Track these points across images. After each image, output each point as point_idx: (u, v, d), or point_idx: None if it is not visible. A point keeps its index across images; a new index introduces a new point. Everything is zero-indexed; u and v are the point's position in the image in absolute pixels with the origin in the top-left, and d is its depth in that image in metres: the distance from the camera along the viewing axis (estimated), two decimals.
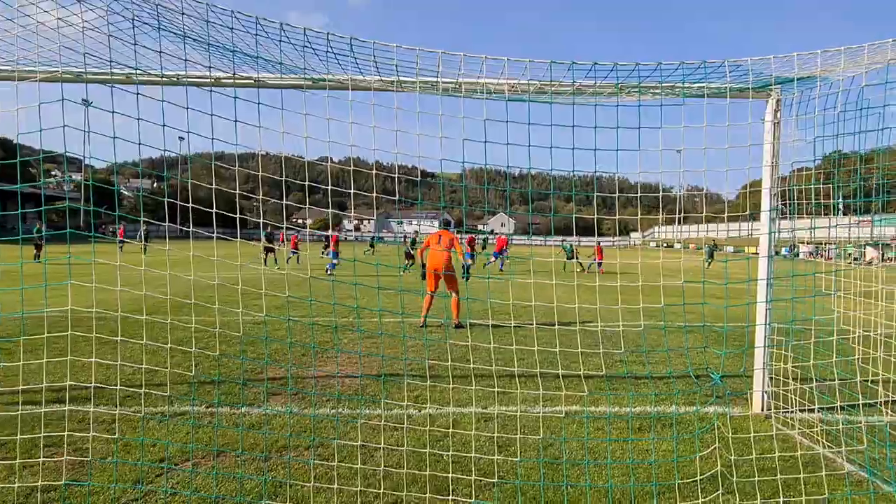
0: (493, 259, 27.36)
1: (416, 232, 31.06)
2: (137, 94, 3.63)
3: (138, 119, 3.53)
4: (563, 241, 35.39)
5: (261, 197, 4.52)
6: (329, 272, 20.93)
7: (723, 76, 3.95)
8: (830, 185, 4.91)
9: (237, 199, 4.25)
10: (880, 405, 4.92)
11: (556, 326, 8.35)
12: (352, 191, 4.00)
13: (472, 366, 6.93)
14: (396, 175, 3.63)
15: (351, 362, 7.64)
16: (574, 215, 4.70)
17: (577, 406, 5.80)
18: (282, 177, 3.91)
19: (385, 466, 4.22)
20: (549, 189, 4.61)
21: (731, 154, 4.02)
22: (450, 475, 3.96)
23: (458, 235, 11.51)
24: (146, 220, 4.19)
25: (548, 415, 5.50)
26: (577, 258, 27.63)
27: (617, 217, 4.97)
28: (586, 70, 3.66)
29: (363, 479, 4.01)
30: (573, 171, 3.73)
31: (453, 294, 10.72)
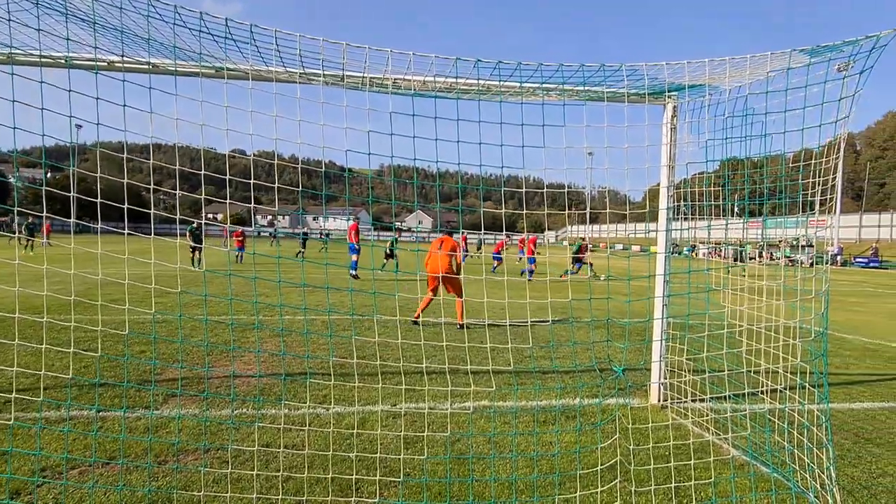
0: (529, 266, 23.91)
1: (399, 229, 29.83)
2: (13, 74, 3.35)
3: (13, 101, 3.25)
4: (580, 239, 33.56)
5: (178, 191, 4.27)
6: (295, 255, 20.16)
7: (622, 80, 4.12)
8: (726, 189, 5.20)
9: (150, 193, 4.01)
10: (762, 394, 5.27)
11: (466, 322, 8.44)
12: (275, 185, 3.86)
13: (379, 363, 6.89)
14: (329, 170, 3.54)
15: (256, 362, 7.41)
16: (516, 214, 4.72)
17: (485, 401, 5.88)
18: (200, 170, 3.72)
19: (288, 469, 4.11)
20: (473, 186, 4.64)
21: (638, 156, 4.20)
22: (353, 476, 3.91)
23: (459, 241, 11.54)
24: (33, 212, 3.87)
25: (456, 411, 5.54)
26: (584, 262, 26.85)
27: (566, 213, 5.04)
28: (490, 68, 3.71)
29: (265, 483, 3.89)
30: (481, 167, 3.78)
31: (456, 297, 10.75)
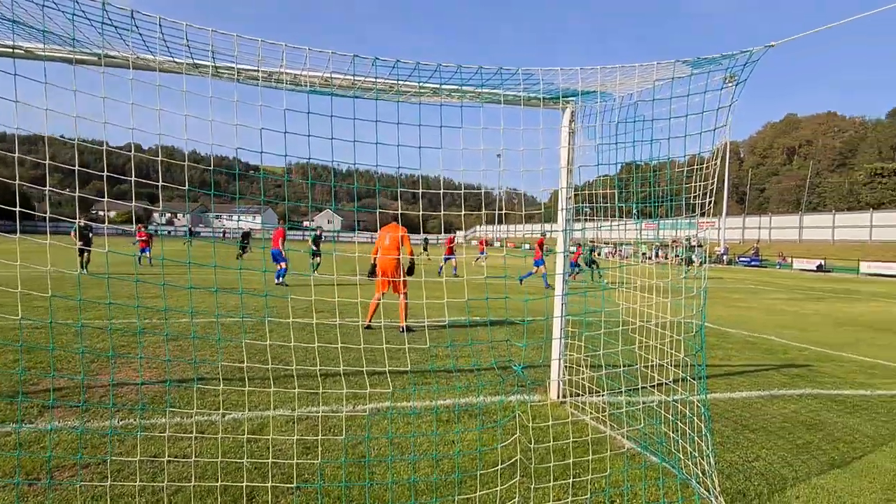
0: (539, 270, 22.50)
1: (321, 227, 27.87)
2: None
3: None
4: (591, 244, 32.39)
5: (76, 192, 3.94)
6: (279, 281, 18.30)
7: (518, 83, 4.21)
8: (626, 191, 5.43)
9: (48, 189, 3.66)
10: (652, 387, 5.55)
11: (383, 322, 8.37)
12: (160, 182, 3.63)
13: (270, 366, 6.70)
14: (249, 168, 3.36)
15: (150, 368, 7.00)
16: (434, 214, 4.69)
17: (388, 402, 5.85)
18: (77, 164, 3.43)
19: (177, 480, 3.90)
20: (376, 186, 4.57)
21: (538, 159, 4.30)
22: (244, 483, 3.76)
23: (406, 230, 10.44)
24: None
25: (358, 413, 5.47)
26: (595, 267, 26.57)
27: (477, 214, 5.05)
28: (389, 67, 3.68)
29: (150, 497, 3.67)
30: (385, 165, 3.75)
31: (401, 297, 9.96)
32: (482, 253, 32.78)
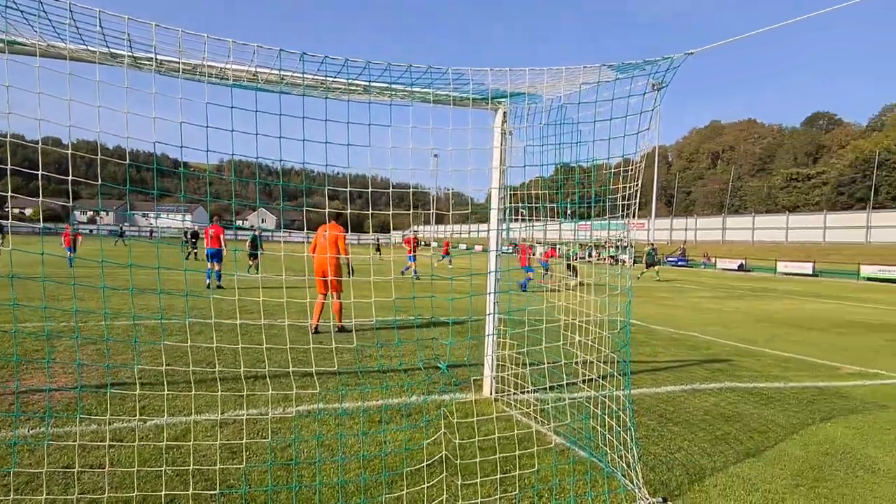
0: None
1: (259, 228, 26.25)
2: None
3: None
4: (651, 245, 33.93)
5: None
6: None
7: (448, 83, 4.22)
8: (559, 192, 5.52)
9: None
10: (581, 383, 5.69)
11: (313, 323, 8.23)
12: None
13: (192, 369, 6.49)
14: (151, 162, 3.19)
15: (66, 373, 6.64)
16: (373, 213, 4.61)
17: (318, 404, 5.76)
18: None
19: (91, 492, 3.71)
20: (317, 185, 4.48)
21: (476, 159, 4.34)
22: (163, 492, 3.62)
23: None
24: None
25: (287, 416, 5.36)
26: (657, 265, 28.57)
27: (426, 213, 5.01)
28: (317, 63, 3.61)
29: None
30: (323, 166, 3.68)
31: (335, 296, 9.73)
32: (445, 255, 32.70)
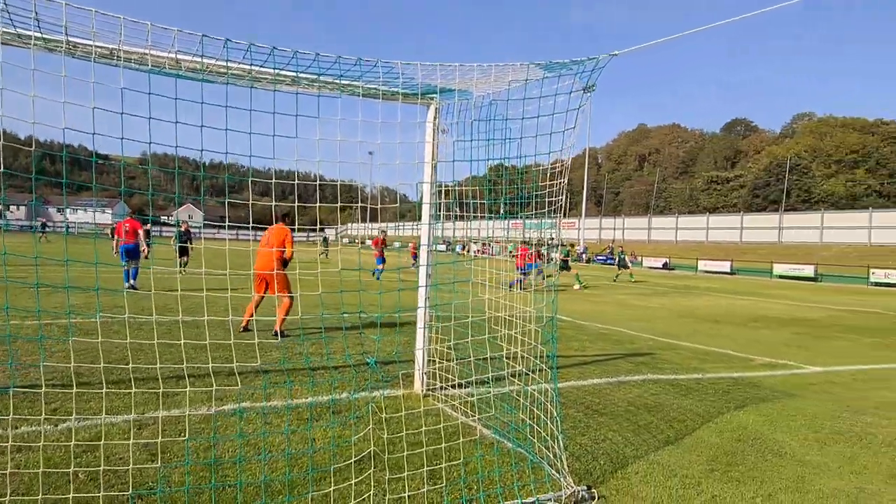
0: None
1: (185, 222, 23.39)
2: None
3: None
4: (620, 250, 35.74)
5: None
6: None
7: (378, 77, 4.20)
8: (493, 191, 5.56)
9: None
10: (510, 376, 5.77)
11: (231, 318, 8.01)
12: None
13: (102, 366, 6.21)
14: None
15: None
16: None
17: (247, 402, 5.61)
18: None
19: None
20: (225, 177, 4.32)
21: (404, 155, 4.32)
22: (71, 495, 3.44)
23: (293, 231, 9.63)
24: None
25: (211, 415, 5.20)
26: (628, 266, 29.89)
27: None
28: (243, 51, 3.50)
29: None
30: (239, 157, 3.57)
31: (283, 298, 9.25)
32: (414, 258, 32.10)
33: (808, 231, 60.14)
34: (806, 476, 4.62)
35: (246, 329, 9.33)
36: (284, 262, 9.57)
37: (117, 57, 3.73)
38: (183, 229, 21.72)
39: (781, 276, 44.97)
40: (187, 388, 5.45)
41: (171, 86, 3.55)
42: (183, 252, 20.16)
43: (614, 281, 31.38)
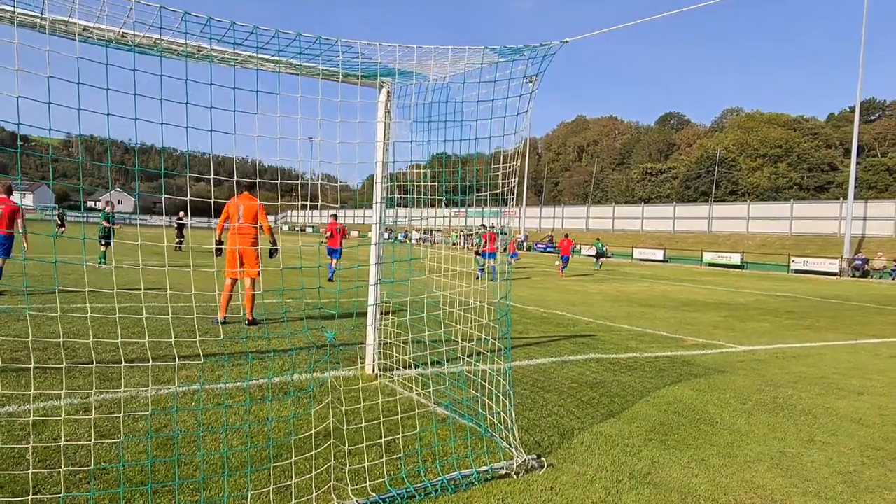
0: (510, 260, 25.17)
1: (109, 202, 20.51)
2: None
3: None
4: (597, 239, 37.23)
5: None
6: None
7: (337, 55, 4.21)
8: (436, 180, 5.65)
9: None
10: (463, 356, 5.92)
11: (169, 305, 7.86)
12: None
13: (26, 351, 6.04)
14: None
15: None
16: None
17: (201, 384, 5.57)
18: None
19: None
20: (174, 165, 4.25)
21: (359, 149, 4.36)
22: (30, 471, 3.37)
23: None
24: None
25: (162, 395, 5.14)
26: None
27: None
28: (201, 25, 3.44)
29: None
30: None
31: (248, 282, 8.64)
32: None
33: (735, 221, 62.96)
34: (734, 442, 4.98)
35: (226, 321, 8.75)
36: (275, 249, 9.20)
37: (60, 29, 3.59)
38: (108, 211, 19.09)
39: (711, 264, 47.10)
40: (150, 363, 5.36)
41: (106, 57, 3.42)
42: (106, 241, 18.08)
43: (598, 270, 32.63)
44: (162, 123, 3.12)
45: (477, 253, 18.92)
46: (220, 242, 8.65)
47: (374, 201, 5.63)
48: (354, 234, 66.86)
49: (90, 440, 3.88)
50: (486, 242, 18.91)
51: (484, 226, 18.76)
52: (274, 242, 9.22)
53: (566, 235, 28.05)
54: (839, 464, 4.62)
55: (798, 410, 6.03)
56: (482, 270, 18.35)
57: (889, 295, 24.99)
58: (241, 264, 8.48)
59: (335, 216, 18.15)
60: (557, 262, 27.14)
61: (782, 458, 4.67)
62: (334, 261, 16.76)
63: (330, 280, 16.21)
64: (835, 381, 7.46)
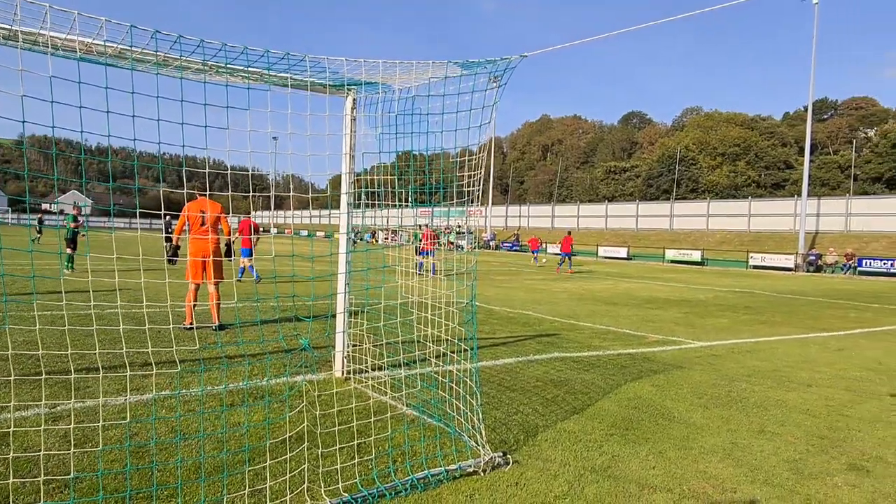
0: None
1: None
2: None
3: None
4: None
5: None
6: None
7: (304, 69, 4.33)
8: (401, 179, 5.80)
9: None
10: (431, 357, 6.08)
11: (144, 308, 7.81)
12: None
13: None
14: None
15: None
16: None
17: (167, 391, 5.60)
18: None
19: None
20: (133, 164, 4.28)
21: (321, 145, 4.45)
22: (10, 481, 3.42)
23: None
24: None
25: (134, 403, 5.17)
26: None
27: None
28: (171, 42, 3.54)
29: None
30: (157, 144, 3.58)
31: (212, 287, 8.51)
32: (567, 255, 32.10)
33: (696, 219, 64.51)
34: (690, 435, 5.24)
35: (190, 328, 8.53)
36: (228, 249, 8.97)
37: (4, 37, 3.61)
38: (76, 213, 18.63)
39: (672, 261, 48.18)
40: (100, 376, 5.37)
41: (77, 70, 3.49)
42: (72, 244, 17.71)
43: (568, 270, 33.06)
44: (135, 140, 3.19)
45: (417, 252, 19.19)
46: (176, 247, 8.52)
47: (340, 211, 5.75)
48: (320, 233, 66.47)
49: (61, 449, 3.92)
50: (424, 241, 19.36)
51: (421, 225, 19.18)
52: (229, 246, 9.08)
53: (569, 233, 30.94)
54: (786, 452, 4.92)
55: (751, 403, 6.35)
56: (421, 266, 18.37)
57: (839, 289, 26.01)
58: (204, 271, 8.44)
59: (248, 213, 17.47)
60: (542, 261, 28.88)
61: (734, 449, 4.94)
62: (244, 260, 16.27)
63: (239, 280, 15.74)
64: (786, 374, 7.84)
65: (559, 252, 30.62)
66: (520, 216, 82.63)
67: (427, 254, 19.02)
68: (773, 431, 5.45)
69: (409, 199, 6.03)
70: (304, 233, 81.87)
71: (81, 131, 3.40)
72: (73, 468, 3.73)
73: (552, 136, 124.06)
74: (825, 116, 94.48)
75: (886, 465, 4.72)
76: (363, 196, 6.05)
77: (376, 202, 5.72)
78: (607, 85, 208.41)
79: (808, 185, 48.31)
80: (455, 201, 5.11)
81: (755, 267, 43.87)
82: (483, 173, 4.86)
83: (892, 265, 38.59)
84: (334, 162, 5.93)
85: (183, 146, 3.57)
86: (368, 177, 5.95)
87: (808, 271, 41.64)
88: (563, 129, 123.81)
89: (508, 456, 4.42)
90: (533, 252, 39.07)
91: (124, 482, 3.64)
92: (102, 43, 3.63)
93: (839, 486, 4.28)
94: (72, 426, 4.29)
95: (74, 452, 3.98)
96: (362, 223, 6.24)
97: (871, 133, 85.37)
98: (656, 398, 6.36)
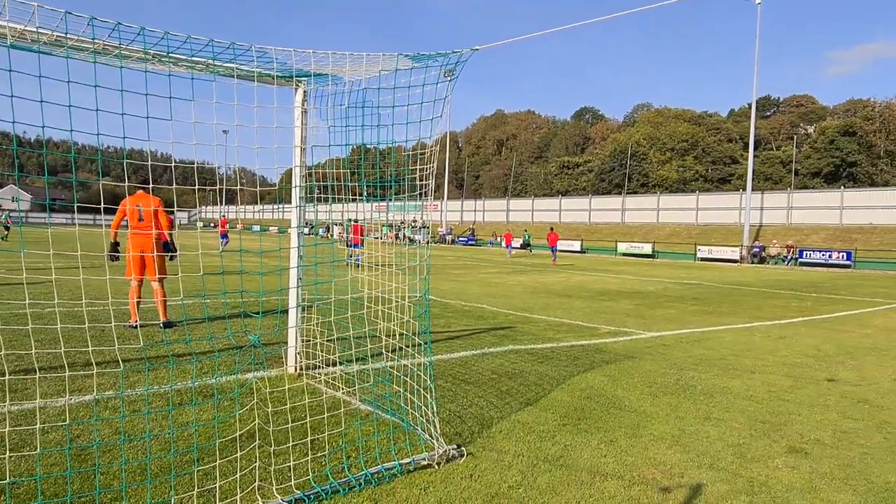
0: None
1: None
2: None
3: None
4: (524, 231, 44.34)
5: None
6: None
7: (251, 60, 4.23)
8: (355, 173, 5.73)
9: None
10: (385, 352, 6.04)
11: (84, 308, 7.55)
12: None
13: None
14: None
15: None
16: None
17: (110, 392, 5.42)
18: None
19: None
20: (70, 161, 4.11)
21: (271, 138, 4.37)
22: None
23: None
24: None
25: (73, 405, 4.99)
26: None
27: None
28: (109, 29, 3.40)
29: None
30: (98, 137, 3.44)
31: (156, 284, 8.21)
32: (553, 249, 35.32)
33: (647, 212, 65.97)
34: (640, 423, 5.37)
35: (135, 327, 8.26)
36: (167, 244, 8.70)
37: None
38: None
39: (624, 254, 49.24)
40: (36, 377, 5.16)
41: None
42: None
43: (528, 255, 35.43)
44: (71, 130, 3.06)
45: (346, 245, 19.62)
46: (116, 244, 8.26)
47: (292, 205, 5.66)
48: (273, 229, 65.40)
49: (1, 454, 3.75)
50: (353, 234, 19.91)
51: (350, 219, 19.85)
52: (173, 245, 8.84)
53: (552, 229, 33.99)
54: (731, 437, 5.08)
55: (698, 391, 6.54)
56: (350, 257, 18.82)
57: (782, 280, 27.04)
58: (145, 267, 8.27)
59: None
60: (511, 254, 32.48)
61: (682, 436, 5.08)
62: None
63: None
64: (731, 362, 8.10)
65: (551, 247, 35.77)
66: (475, 210, 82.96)
67: (356, 246, 19.51)
68: (719, 418, 5.62)
69: (362, 193, 5.98)
70: (256, 227, 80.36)
71: (14, 122, 3.26)
72: (9, 473, 3.58)
73: (507, 130, 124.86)
74: (768, 113, 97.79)
75: (823, 447, 4.93)
76: (315, 190, 5.99)
77: (329, 196, 5.65)
78: (560, 80, 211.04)
79: (753, 179, 49.94)
80: (407, 195, 5.09)
81: (703, 259, 45.22)
82: (436, 167, 4.85)
83: (829, 256, 40.38)
84: (287, 156, 5.84)
85: (124, 138, 3.44)
86: (321, 171, 5.89)
87: (752, 263, 43.14)
88: (518, 124, 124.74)
89: (463, 448, 4.43)
90: (507, 247, 43.02)
91: (65, 486, 3.52)
92: (35, 30, 3.46)
93: (780, 468, 4.45)
94: (7, 430, 4.11)
95: (11, 457, 3.81)
96: (315, 218, 6.15)
97: (811, 129, 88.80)
98: (608, 388, 6.48)
